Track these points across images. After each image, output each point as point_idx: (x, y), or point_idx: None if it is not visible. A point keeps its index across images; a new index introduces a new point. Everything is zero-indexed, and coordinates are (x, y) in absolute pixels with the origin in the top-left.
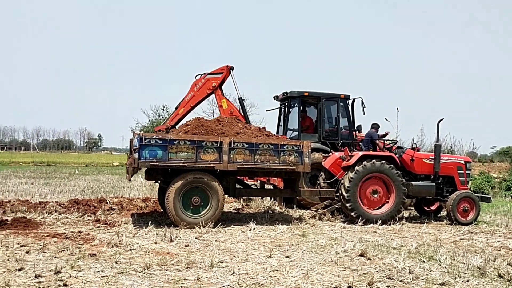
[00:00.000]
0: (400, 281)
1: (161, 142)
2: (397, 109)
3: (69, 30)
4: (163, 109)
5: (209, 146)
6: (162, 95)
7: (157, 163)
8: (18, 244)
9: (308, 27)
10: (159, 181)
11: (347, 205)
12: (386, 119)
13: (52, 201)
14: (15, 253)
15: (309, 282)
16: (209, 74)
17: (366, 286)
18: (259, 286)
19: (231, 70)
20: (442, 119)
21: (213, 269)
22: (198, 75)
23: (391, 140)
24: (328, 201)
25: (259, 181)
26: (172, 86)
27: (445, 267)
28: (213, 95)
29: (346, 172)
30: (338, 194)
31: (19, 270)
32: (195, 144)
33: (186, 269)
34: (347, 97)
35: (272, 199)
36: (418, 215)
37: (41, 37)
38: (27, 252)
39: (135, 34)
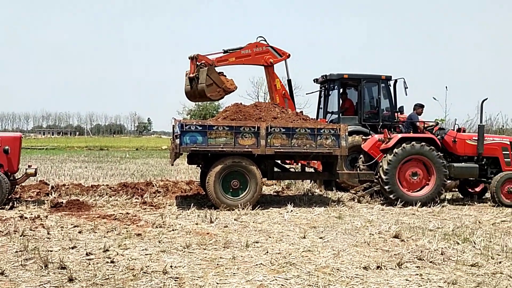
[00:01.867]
0: (431, 262)
1: (200, 128)
2: (446, 87)
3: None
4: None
5: (247, 131)
6: None
7: (197, 148)
8: (71, 224)
9: (349, 6)
10: (200, 166)
11: (386, 187)
12: (434, 98)
13: (103, 185)
14: (69, 233)
15: (339, 262)
16: (271, 47)
17: (396, 267)
18: (290, 265)
19: (287, 58)
20: (486, 99)
21: (248, 249)
22: (261, 38)
23: (432, 122)
24: (368, 184)
25: (300, 164)
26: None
27: (479, 249)
28: (265, 71)
29: (385, 155)
30: (377, 176)
31: (72, 248)
32: (233, 129)
33: (223, 249)
34: (388, 78)
35: (312, 182)
36: (461, 197)
37: (91, 25)
38: (79, 232)
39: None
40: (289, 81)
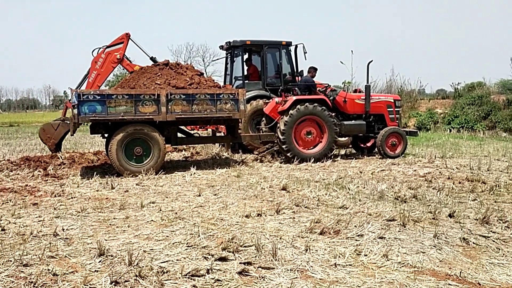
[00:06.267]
0: (306, 207)
1: (99, 97)
2: (352, 51)
3: None
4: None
5: (147, 99)
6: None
7: (97, 118)
8: None
9: None
10: (104, 135)
11: (283, 146)
12: (342, 62)
13: (4, 159)
14: None
15: (225, 213)
16: (108, 47)
17: (274, 213)
18: (180, 219)
19: (130, 37)
20: (371, 61)
21: (143, 209)
22: (95, 50)
23: (325, 84)
24: (270, 144)
25: (210, 130)
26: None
27: (352, 194)
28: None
29: (282, 116)
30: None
31: None
32: (133, 97)
33: (119, 210)
34: (288, 44)
35: (221, 146)
36: (354, 152)
37: None
38: None
39: None
40: (152, 59)
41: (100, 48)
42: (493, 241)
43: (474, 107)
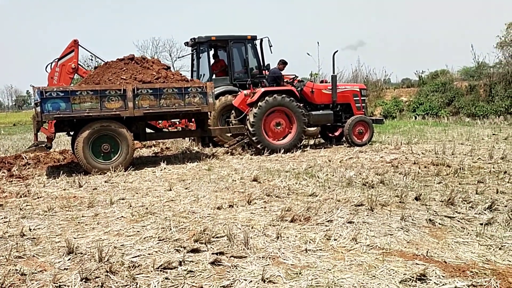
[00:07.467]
0: (276, 196)
1: (63, 94)
2: (318, 43)
3: None
4: (92, 59)
5: (113, 94)
6: (93, 43)
7: (61, 115)
8: None
9: None
10: (70, 133)
11: (253, 138)
12: (308, 54)
13: None
14: None
15: (197, 206)
16: (60, 59)
17: (246, 204)
18: (150, 214)
19: (79, 44)
20: (337, 51)
21: (112, 206)
22: (48, 65)
23: (292, 75)
24: (240, 137)
25: (180, 128)
26: (96, 30)
27: (321, 182)
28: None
29: (251, 108)
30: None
31: None
32: (98, 93)
33: (87, 208)
34: (254, 38)
35: (191, 140)
36: (323, 141)
37: None
38: None
39: None
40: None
41: (52, 62)
42: (458, 221)
43: (438, 94)
